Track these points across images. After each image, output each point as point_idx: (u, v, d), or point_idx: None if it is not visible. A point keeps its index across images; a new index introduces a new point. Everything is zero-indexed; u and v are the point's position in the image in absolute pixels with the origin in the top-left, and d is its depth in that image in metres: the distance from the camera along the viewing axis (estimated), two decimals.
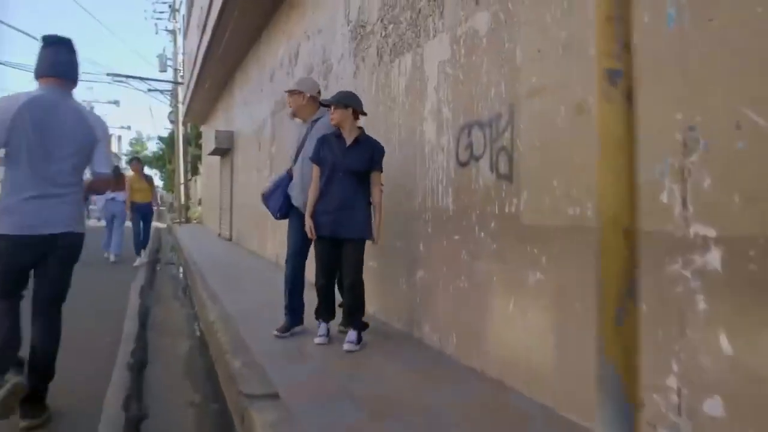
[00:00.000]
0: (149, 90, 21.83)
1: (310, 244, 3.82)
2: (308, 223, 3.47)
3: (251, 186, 9.74)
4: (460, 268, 3.15)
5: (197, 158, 22.86)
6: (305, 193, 3.62)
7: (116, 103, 73.57)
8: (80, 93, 61.45)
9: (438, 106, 3.39)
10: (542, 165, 2.50)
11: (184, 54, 19.49)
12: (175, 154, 22.23)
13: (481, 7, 2.96)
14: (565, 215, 2.36)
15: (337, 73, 5.21)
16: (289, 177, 3.88)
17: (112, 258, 8.84)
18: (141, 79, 20.50)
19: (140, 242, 9.01)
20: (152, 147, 47.99)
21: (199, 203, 22.15)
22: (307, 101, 3.77)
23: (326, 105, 3.48)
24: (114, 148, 75.58)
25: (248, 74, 10.09)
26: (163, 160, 31.89)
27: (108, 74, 21.89)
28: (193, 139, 23.74)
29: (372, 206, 3.45)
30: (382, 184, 3.47)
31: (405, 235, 3.80)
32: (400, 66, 3.88)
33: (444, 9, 3.32)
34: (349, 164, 3.35)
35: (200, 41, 11.51)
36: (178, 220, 20.23)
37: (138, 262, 8.66)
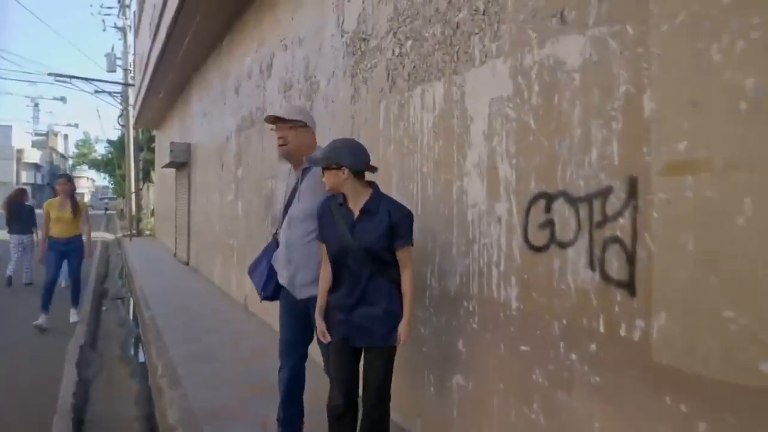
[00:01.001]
0: (96, 91, 20.12)
1: (309, 339, 2.84)
2: (319, 326, 2.50)
3: (213, 210, 8.61)
4: (529, 391, 2.24)
5: (150, 163, 21.25)
6: (292, 269, 2.70)
7: (63, 99, 69.91)
8: (25, 89, 57.57)
9: (490, 159, 2.46)
10: (700, 281, 1.61)
11: (134, 54, 17.96)
12: (125, 158, 20.60)
13: (570, 28, 2.05)
14: (750, 370, 1.48)
15: (326, 94, 4.22)
16: (275, 244, 2.89)
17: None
18: (86, 79, 18.80)
19: (73, 293, 6.40)
20: (101, 150, 45.51)
21: (152, 214, 20.57)
22: (309, 139, 2.77)
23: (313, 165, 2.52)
24: (60, 148, 71.77)
25: (209, 82, 8.94)
26: (113, 164, 29.89)
27: (50, 74, 20.00)
28: (146, 143, 22.09)
29: (394, 287, 2.45)
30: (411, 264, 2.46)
31: (435, 323, 2.87)
32: (424, 97, 2.94)
33: (500, 27, 2.40)
34: (362, 242, 2.34)
35: (153, 42, 10.25)
36: (128, 233, 18.66)
37: (73, 316, 6.32)
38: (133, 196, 19.63)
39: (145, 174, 22.96)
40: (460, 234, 2.67)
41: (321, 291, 2.50)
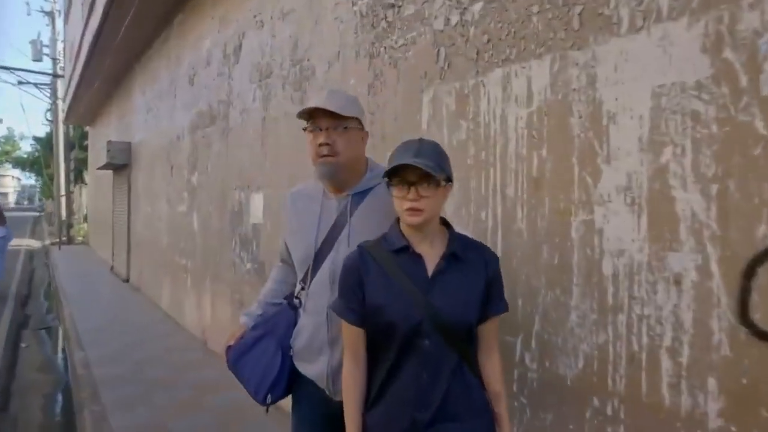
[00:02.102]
0: (20, 83, 18.01)
1: None
2: None
3: (159, 221, 7.33)
4: None
5: (83, 162, 19.24)
6: (336, 353, 1.65)
7: None
8: None
9: (656, 181, 1.52)
10: None
11: (64, 41, 16.09)
12: (54, 157, 18.58)
13: None
14: None
15: (326, 83, 3.18)
16: (291, 309, 1.86)
17: None
18: (7, 69, 16.72)
19: None
20: (26, 147, 42.07)
21: (85, 219, 18.60)
22: (362, 147, 1.77)
23: (392, 175, 1.44)
24: None
25: (154, 72, 7.65)
26: (40, 163, 27.33)
27: None
28: (78, 140, 20.02)
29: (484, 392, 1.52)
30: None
31: (531, 422, 1.91)
32: (510, 83, 1.97)
33: None
34: (452, 312, 1.43)
35: (86, 24, 8.82)
36: (57, 240, 16.73)
37: None
38: (63, 199, 17.68)
39: (77, 174, 20.89)
40: (587, 295, 1.72)
41: (351, 401, 1.51)
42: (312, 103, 1.66)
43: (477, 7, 2.11)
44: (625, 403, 1.62)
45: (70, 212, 17.98)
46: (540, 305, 1.87)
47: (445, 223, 1.55)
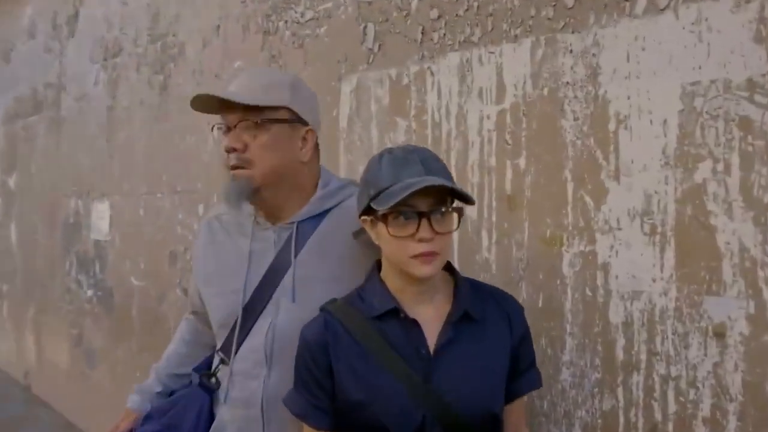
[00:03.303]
0: None
1: None
2: None
3: None
4: None
5: None
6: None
7: None
8: None
9: (670, 200, 1.18)
10: None
11: None
12: None
13: None
14: None
15: (199, 66, 2.50)
16: (204, 393, 1.28)
17: None
18: None
19: None
20: None
21: None
22: (302, 152, 1.21)
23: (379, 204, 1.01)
24: None
25: None
26: None
27: None
28: None
29: None
30: None
31: None
32: (473, 73, 1.53)
33: None
34: (461, 406, 1.01)
35: None
36: None
37: None
38: None
39: None
40: (586, 348, 1.34)
41: None
42: (212, 90, 1.19)
43: None
44: None
45: None
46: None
47: (447, 266, 1.11)
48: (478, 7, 1.52)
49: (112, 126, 3.21)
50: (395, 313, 1.03)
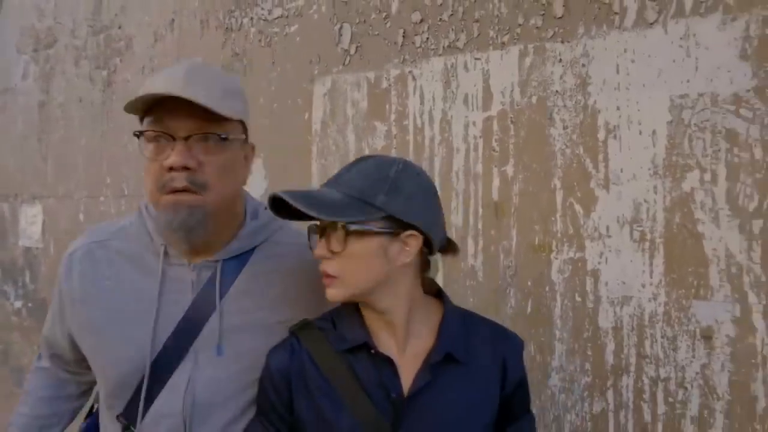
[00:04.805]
0: None
1: None
2: None
3: None
4: None
5: None
6: None
7: None
8: None
9: (660, 206, 1.22)
10: None
11: None
12: None
13: None
14: None
15: (155, 57, 2.34)
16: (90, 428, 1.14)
17: None
18: None
19: None
20: None
21: None
22: (245, 169, 1.03)
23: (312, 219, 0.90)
24: None
25: None
26: None
27: None
28: None
29: None
30: None
31: None
32: (458, 79, 1.52)
33: None
34: None
35: None
36: None
37: None
38: None
39: None
40: (575, 353, 1.36)
41: None
42: (157, 85, 0.91)
43: None
44: None
45: None
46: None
47: (436, 292, 1.01)
48: (463, 12, 1.51)
49: (45, 124, 2.96)
50: (365, 347, 0.92)
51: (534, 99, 1.41)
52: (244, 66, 2.00)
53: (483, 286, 1.49)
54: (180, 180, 0.91)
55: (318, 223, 0.90)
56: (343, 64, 1.75)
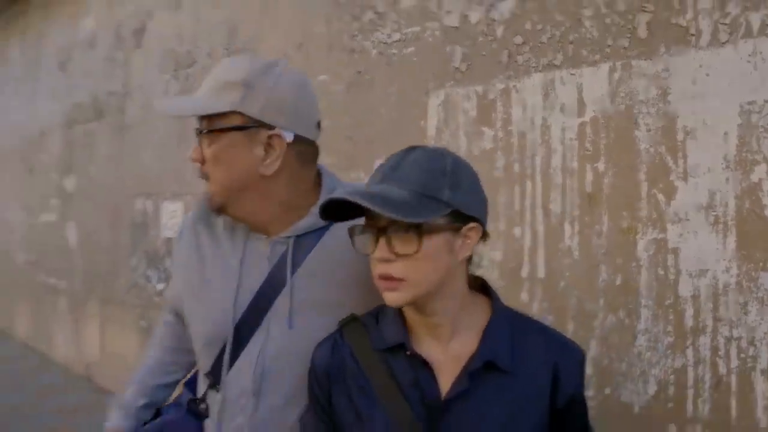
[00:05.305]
0: None
1: None
2: None
3: (10, 232, 6.14)
4: None
5: None
6: None
7: None
8: None
9: (742, 200, 1.48)
10: None
11: None
12: None
13: None
14: None
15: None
16: (193, 419, 1.13)
17: None
18: None
19: None
20: None
21: None
22: (254, 154, 1.01)
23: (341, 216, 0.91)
24: None
25: (2, 50, 6.39)
26: None
27: None
28: None
29: None
30: None
31: None
32: (556, 91, 1.83)
33: None
34: None
35: None
36: None
37: None
38: None
39: None
40: (659, 318, 1.64)
41: None
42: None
43: (507, 5, 1.95)
44: (711, 428, 1.56)
45: None
46: (597, 329, 1.76)
47: (483, 288, 0.97)
48: (560, 36, 1.82)
49: (183, 133, 3.50)
50: (402, 348, 0.89)
51: (622, 107, 1.70)
52: (367, 82, 2.39)
53: (578, 263, 1.79)
54: (199, 172, 1.06)
55: (363, 222, 0.87)
56: (455, 79, 2.10)
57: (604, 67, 1.73)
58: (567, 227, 1.82)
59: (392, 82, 2.30)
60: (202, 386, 1.13)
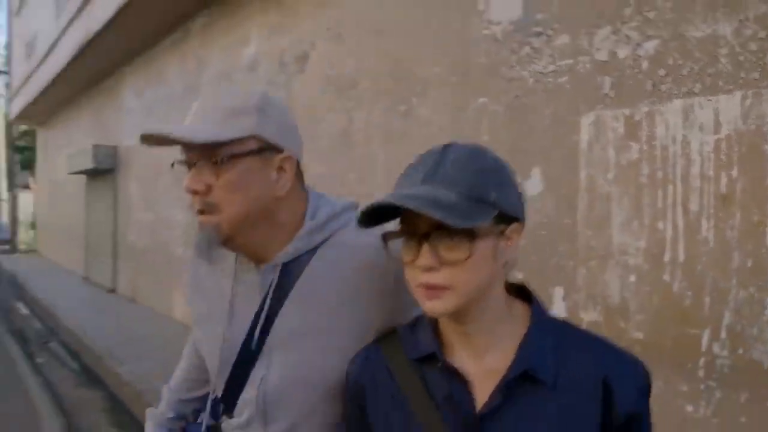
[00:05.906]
0: None
1: None
2: None
3: (168, 229, 7.21)
4: None
5: (27, 164, 18.00)
6: None
7: None
8: None
9: None
10: None
11: (9, 36, 15.08)
12: None
13: None
14: None
15: (441, 96, 3.41)
16: None
17: None
18: None
19: None
20: None
21: (32, 227, 17.43)
22: (271, 179, 1.05)
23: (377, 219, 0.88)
24: None
25: (159, 72, 7.48)
26: None
27: None
28: (22, 137, 18.62)
29: None
30: None
31: (719, 400, 2.25)
32: (695, 114, 2.31)
33: None
34: None
35: (71, 22, 8.45)
36: (7, 248, 15.70)
37: None
38: (4, 204, 16.54)
39: (10, 177, 19.54)
40: None
41: None
42: (162, 127, 1.01)
43: (652, 44, 2.44)
44: None
45: (14, 219, 16.81)
46: (731, 302, 2.22)
47: (522, 293, 0.92)
48: (698, 69, 2.30)
49: (347, 142, 4.20)
50: (434, 359, 0.86)
51: (753, 126, 2.16)
52: (524, 104, 2.95)
53: (714, 250, 2.26)
54: (197, 203, 1.01)
55: (400, 228, 0.84)
56: (604, 103, 2.61)
57: (737, 95, 2.20)
58: (704, 222, 2.30)
59: (547, 104, 2.84)
60: (214, 410, 1.16)
